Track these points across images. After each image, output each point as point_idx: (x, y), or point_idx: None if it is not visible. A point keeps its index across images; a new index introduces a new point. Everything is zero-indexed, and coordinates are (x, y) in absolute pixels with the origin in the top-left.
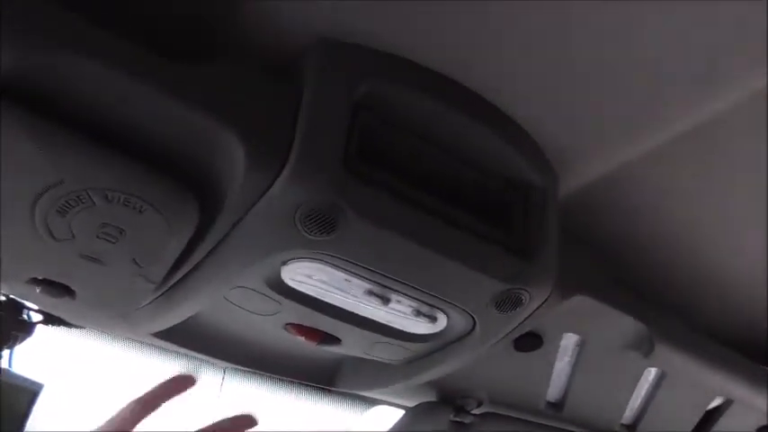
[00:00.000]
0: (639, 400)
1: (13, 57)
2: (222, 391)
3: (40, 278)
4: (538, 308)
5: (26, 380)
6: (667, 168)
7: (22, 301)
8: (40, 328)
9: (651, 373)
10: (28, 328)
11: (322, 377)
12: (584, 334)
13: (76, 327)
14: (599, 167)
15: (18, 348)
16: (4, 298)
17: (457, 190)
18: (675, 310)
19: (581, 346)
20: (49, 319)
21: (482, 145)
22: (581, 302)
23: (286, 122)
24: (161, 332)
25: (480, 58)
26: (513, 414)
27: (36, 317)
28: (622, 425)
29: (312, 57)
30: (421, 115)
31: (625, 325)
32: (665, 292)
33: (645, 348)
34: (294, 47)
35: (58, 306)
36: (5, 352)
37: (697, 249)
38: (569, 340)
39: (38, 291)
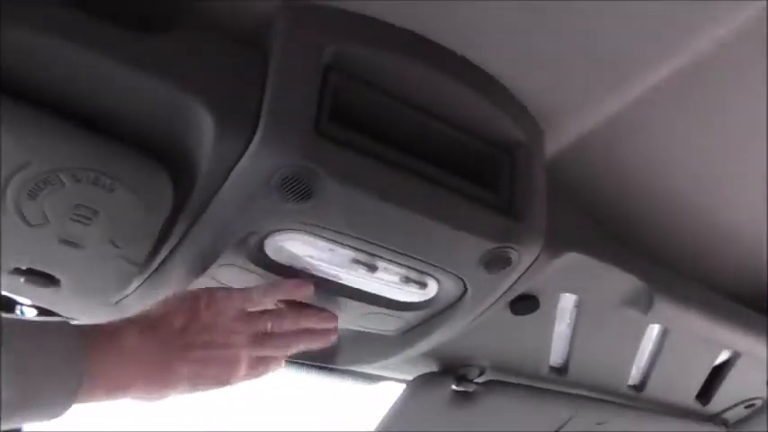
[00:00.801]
0: (645, 359)
1: None
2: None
3: (24, 268)
4: (529, 267)
5: None
6: (656, 115)
7: (15, 297)
8: None
9: (654, 330)
10: None
11: (323, 356)
12: (581, 293)
13: (69, 320)
14: (585, 121)
15: None
16: None
17: (439, 151)
18: (673, 265)
19: (579, 306)
20: (43, 313)
21: (462, 104)
22: (574, 260)
23: (254, 89)
24: None
25: (453, 14)
26: (516, 380)
27: (29, 312)
28: (629, 386)
29: (278, 21)
30: (395, 75)
31: (621, 281)
32: (661, 247)
33: (644, 304)
34: (260, 14)
35: (48, 297)
36: None
37: (692, 200)
38: (567, 301)
39: (22, 281)
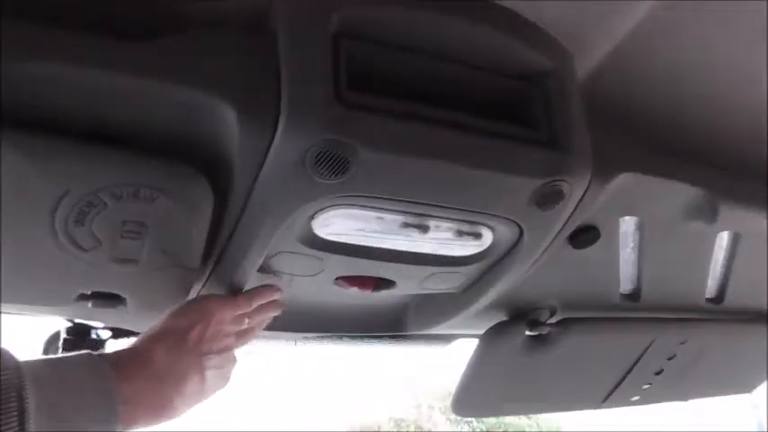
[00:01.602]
0: (719, 270)
1: None
2: (298, 359)
3: (89, 293)
4: (582, 197)
5: None
6: (684, 15)
7: (88, 323)
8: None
9: (724, 239)
10: (100, 346)
11: (392, 325)
12: (641, 214)
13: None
14: (613, 35)
15: None
16: (70, 324)
17: (467, 96)
18: (728, 166)
19: (641, 227)
20: (117, 333)
21: (480, 42)
22: (627, 180)
23: (269, 74)
24: None
25: None
26: (589, 315)
27: (104, 333)
28: (708, 299)
29: (278, 0)
30: (406, 27)
31: (680, 193)
32: (712, 150)
33: (708, 213)
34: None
35: (117, 317)
36: None
37: (734, 97)
38: (628, 225)
39: (90, 306)
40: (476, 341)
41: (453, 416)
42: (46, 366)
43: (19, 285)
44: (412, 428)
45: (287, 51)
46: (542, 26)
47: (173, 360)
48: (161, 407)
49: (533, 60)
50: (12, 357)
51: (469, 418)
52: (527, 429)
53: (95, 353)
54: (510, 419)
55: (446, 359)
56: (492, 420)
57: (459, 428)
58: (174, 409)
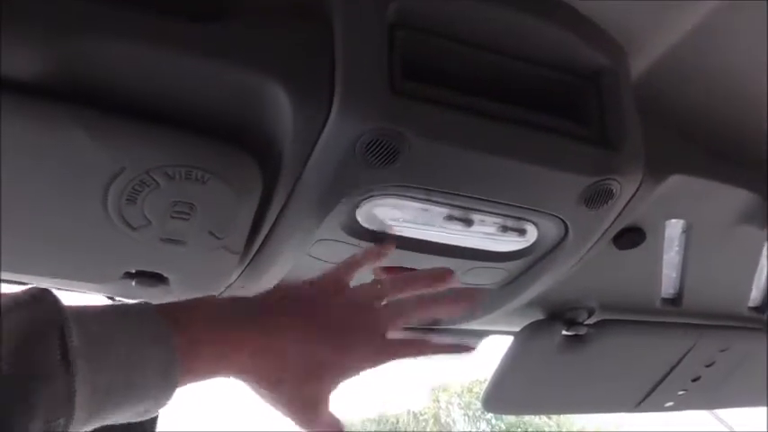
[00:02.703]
0: (765, 278)
1: (39, 52)
2: None
3: (133, 272)
4: (632, 198)
5: None
6: (742, 17)
7: (128, 301)
8: None
9: None
10: None
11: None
12: (690, 217)
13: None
14: (669, 35)
15: None
16: (110, 301)
17: (521, 91)
18: None
19: (688, 231)
20: None
21: (537, 36)
22: (678, 183)
23: (324, 60)
24: None
25: None
26: (628, 317)
27: None
28: (750, 308)
29: None
30: (462, 19)
31: (732, 197)
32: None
33: (760, 218)
34: None
35: (158, 297)
36: None
37: None
38: (674, 228)
39: (133, 284)
40: (505, 338)
41: (471, 412)
42: (93, 311)
43: (67, 260)
44: (431, 423)
45: (343, 38)
46: (599, 23)
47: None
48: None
49: (589, 57)
50: (54, 296)
51: (488, 416)
52: (546, 429)
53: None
54: (529, 418)
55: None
56: (511, 419)
57: (477, 425)
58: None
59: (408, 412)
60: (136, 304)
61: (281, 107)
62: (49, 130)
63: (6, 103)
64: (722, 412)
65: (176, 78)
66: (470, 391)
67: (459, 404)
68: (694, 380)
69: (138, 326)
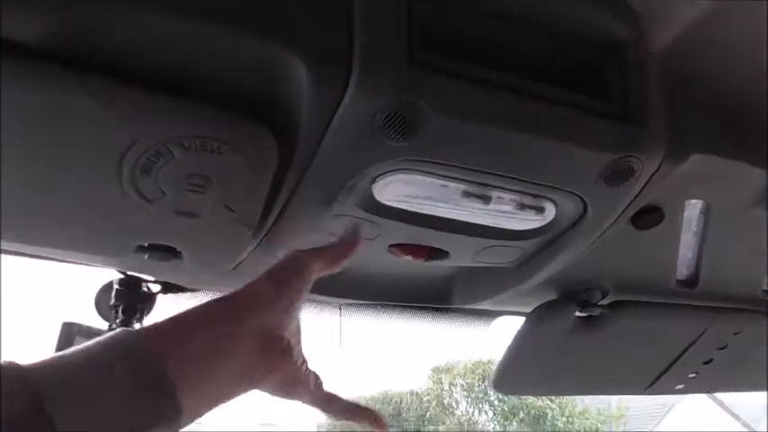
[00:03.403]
0: None
1: (45, 16)
2: (342, 328)
3: (146, 245)
4: (652, 176)
5: None
6: None
7: (140, 275)
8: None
9: None
10: (150, 300)
11: (438, 296)
12: (710, 197)
13: (192, 290)
14: (692, 10)
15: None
16: (122, 276)
17: (540, 64)
18: None
19: (706, 212)
20: (168, 288)
21: (557, 8)
22: (700, 162)
23: (341, 30)
24: None
25: None
26: (642, 299)
27: (155, 287)
28: (765, 291)
29: None
30: None
31: (754, 178)
32: None
33: None
34: None
35: (170, 271)
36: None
37: None
38: (693, 208)
39: (146, 257)
40: (515, 319)
41: (474, 394)
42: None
43: (80, 232)
44: (433, 404)
45: (362, 9)
46: None
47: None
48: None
49: (610, 29)
50: (21, 375)
51: (492, 398)
52: (549, 412)
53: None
54: (532, 401)
55: (472, 337)
56: (514, 401)
57: (480, 407)
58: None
59: (411, 393)
60: (117, 344)
61: (298, 78)
62: (61, 99)
63: (16, 67)
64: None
65: (190, 47)
66: (473, 372)
67: (462, 385)
68: (706, 363)
69: (129, 379)
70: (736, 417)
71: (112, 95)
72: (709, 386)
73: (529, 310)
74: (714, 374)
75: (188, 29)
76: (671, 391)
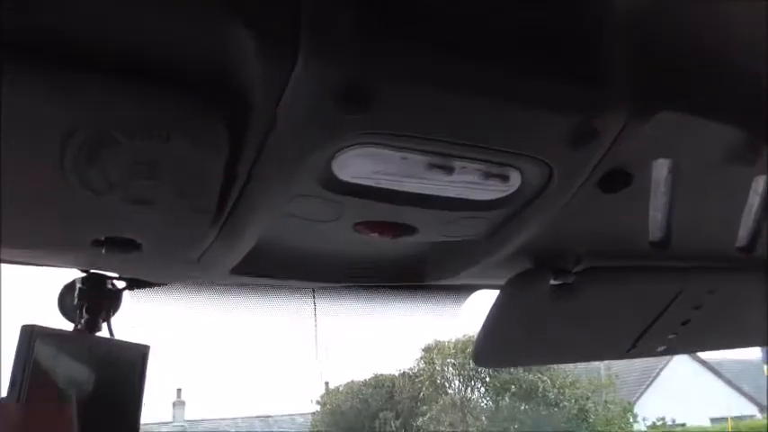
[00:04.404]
0: (752, 217)
1: None
2: (317, 313)
3: (102, 239)
4: (617, 137)
5: (133, 343)
6: None
7: (103, 273)
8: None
9: (760, 183)
10: (116, 296)
11: (410, 274)
12: (676, 156)
13: (159, 285)
14: None
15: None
16: (84, 274)
17: (497, 25)
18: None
19: (674, 171)
20: (133, 283)
21: None
22: (665, 119)
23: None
24: (237, 268)
25: None
26: (615, 264)
27: (120, 284)
28: (738, 248)
29: None
30: None
31: (721, 134)
32: (759, 95)
33: (749, 156)
34: None
35: (132, 265)
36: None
37: None
38: (660, 168)
39: (103, 251)
40: (495, 293)
41: (466, 372)
42: None
43: (30, 229)
44: (426, 384)
45: None
46: None
47: None
48: None
49: None
50: None
51: (482, 374)
52: (540, 385)
53: None
54: (523, 375)
55: (460, 315)
56: (505, 376)
57: (473, 384)
58: None
59: (403, 375)
60: None
61: (245, 53)
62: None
63: None
64: None
65: (130, 25)
66: (463, 351)
67: (454, 364)
68: (684, 323)
69: None
70: (719, 374)
71: (50, 78)
72: (689, 346)
73: (503, 282)
74: (693, 334)
75: (128, 5)
76: (653, 353)
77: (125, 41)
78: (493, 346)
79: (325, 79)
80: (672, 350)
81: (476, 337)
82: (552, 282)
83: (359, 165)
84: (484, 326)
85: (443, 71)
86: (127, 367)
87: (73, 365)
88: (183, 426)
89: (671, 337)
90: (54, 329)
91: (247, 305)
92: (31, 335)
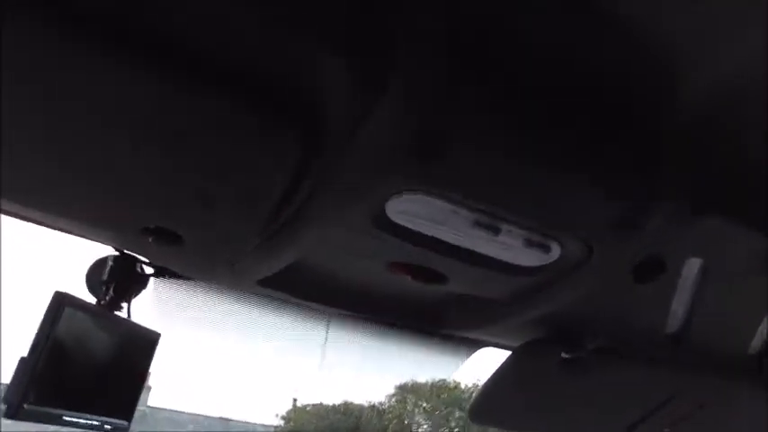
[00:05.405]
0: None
1: None
2: (328, 342)
3: (152, 227)
4: (660, 230)
5: (146, 328)
6: None
7: (135, 255)
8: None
9: None
10: (142, 281)
11: (427, 318)
12: (711, 258)
13: (185, 278)
14: (725, 58)
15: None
16: (118, 253)
17: (568, 105)
18: None
19: (704, 271)
20: (161, 271)
21: (594, 48)
22: (709, 221)
23: (384, 42)
24: (266, 280)
25: None
26: (627, 349)
27: (149, 269)
28: (750, 354)
29: None
30: (519, 22)
31: (756, 244)
32: None
33: None
34: None
35: (169, 256)
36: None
37: None
38: (693, 266)
39: (150, 240)
40: (497, 351)
41: (436, 418)
42: None
43: (94, 205)
44: (394, 422)
45: (403, 23)
46: (650, 38)
47: None
48: None
49: (639, 78)
50: None
51: (452, 424)
52: None
53: None
54: None
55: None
56: (474, 430)
57: None
58: None
59: (372, 407)
60: None
61: (335, 81)
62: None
63: (51, 33)
64: None
65: (235, 39)
66: (438, 396)
67: (425, 408)
68: (684, 419)
69: None
70: None
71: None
72: None
73: (513, 343)
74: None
75: (236, 21)
76: None
77: (228, 50)
78: (491, 405)
79: (405, 123)
80: None
81: (457, 388)
82: (563, 354)
83: (410, 208)
84: (487, 383)
85: (514, 140)
86: (138, 349)
87: (93, 336)
88: (144, 410)
89: (666, 431)
90: (84, 301)
91: (256, 316)
92: (62, 301)
